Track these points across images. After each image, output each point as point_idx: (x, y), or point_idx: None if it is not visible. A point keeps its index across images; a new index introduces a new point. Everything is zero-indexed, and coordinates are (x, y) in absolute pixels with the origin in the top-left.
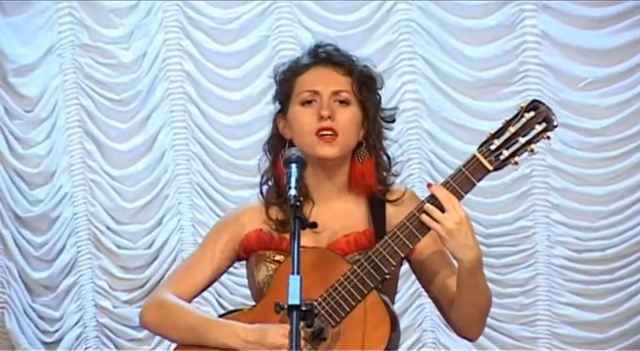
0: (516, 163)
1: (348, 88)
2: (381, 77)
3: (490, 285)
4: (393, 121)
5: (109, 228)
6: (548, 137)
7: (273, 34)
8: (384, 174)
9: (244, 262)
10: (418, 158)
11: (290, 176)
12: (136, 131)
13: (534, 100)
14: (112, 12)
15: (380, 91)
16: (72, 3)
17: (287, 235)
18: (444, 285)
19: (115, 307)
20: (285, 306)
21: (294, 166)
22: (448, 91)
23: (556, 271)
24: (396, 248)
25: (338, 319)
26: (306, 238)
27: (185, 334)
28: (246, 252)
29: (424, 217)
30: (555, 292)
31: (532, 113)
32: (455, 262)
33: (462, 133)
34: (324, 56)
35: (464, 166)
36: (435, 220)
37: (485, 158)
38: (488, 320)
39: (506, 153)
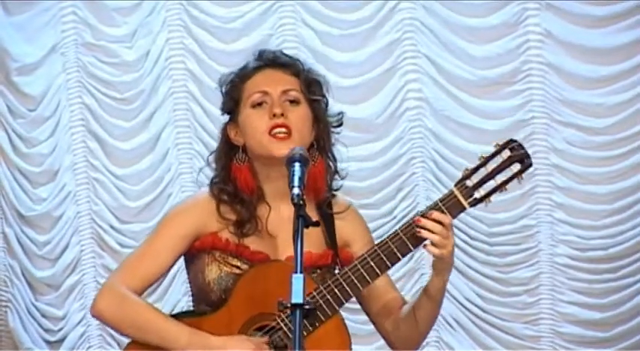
0: (490, 201)
1: (297, 87)
2: (327, 82)
3: (493, 284)
4: (340, 124)
5: (112, 227)
6: (522, 178)
7: (276, 33)
8: (332, 178)
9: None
10: (421, 157)
11: (293, 175)
12: (140, 130)
13: (511, 140)
14: (115, 11)
15: (327, 95)
16: (75, 2)
17: (243, 243)
18: (390, 306)
19: None
20: (289, 304)
21: (297, 165)
22: (451, 89)
23: (559, 269)
24: (364, 274)
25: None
26: (261, 243)
27: (152, 338)
28: (199, 250)
29: (424, 232)
30: (558, 290)
31: (508, 153)
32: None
33: (465, 132)
34: (271, 58)
35: (441, 201)
36: (439, 246)
37: (463, 195)
38: (492, 319)
39: (482, 191)
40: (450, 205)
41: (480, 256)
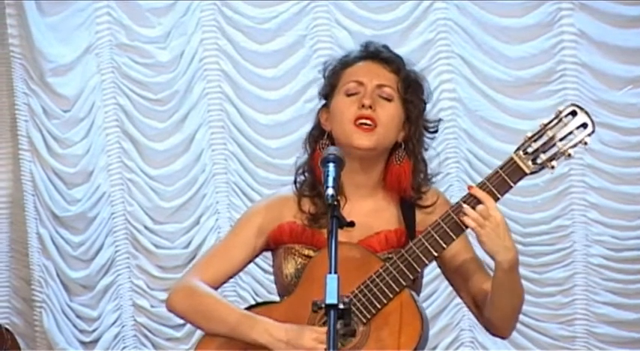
0: (553, 167)
1: (393, 85)
2: (429, 86)
3: (527, 284)
4: (436, 131)
5: (146, 227)
6: (586, 143)
7: (310, 34)
8: (420, 180)
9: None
10: (455, 157)
11: (327, 175)
12: (174, 131)
13: (573, 104)
14: (149, 11)
15: (426, 99)
16: (110, 2)
17: (319, 230)
18: (478, 288)
19: (152, 306)
20: (323, 305)
21: (331, 165)
22: (485, 90)
23: (594, 270)
24: (429, 248)
25: (368, 316)
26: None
27: (218, 327)
28: (276, 243)
29: (465, 219)
30: (593, 291)
31: (570, 117)
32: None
33: (499, 132)
34: (374, 51)
35: (501, 168)
36: (475, 223)
37: (523, 161)
38: (526, 319)
39: (543, 156)
40: (510, 172)
41: None
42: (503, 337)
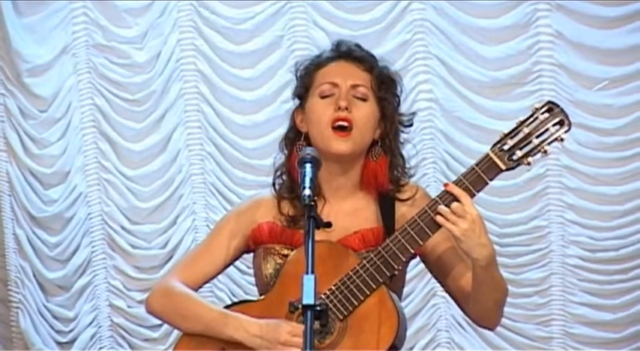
0: (529, 163)
1: (367, 84)
2: (401, 80)
3: None
4: (411, 125)
5: (123, 228)
6: (562, 139)
7: (287, 34)
8: (398, 174)
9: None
10: (432, 158)
11: (304, 176)
12: (151, 131)
13: (549, 102)
14: (126, 12)
15: (399, 95)
16: (86, 3)
17: (299, 230)
18: (461, 281)
19: (129, 306)
20: (300, 306)
21: (308, 166)
22: (462, 90)
23: (570, 270)
24: (406, 244)
25: (345, 313)
26: (316, 235)
27: (195, 325)
28: (256, 243)
29: (439, 219)
30: (569, 291)
31: (546, 114)
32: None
33: (476, 133)
34: (346, 50)
35: (477, 165)
36: (450, 222)
37: (499, 157)
38: (503, 320)
39: (519, 153)
40: (486, 168)
41: None
42: (490, 329)
